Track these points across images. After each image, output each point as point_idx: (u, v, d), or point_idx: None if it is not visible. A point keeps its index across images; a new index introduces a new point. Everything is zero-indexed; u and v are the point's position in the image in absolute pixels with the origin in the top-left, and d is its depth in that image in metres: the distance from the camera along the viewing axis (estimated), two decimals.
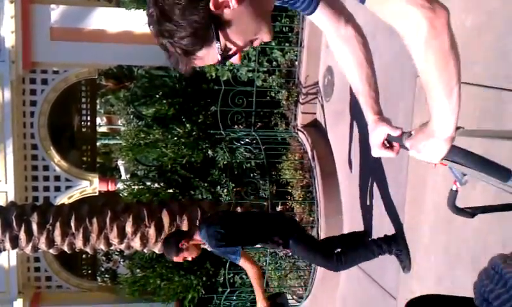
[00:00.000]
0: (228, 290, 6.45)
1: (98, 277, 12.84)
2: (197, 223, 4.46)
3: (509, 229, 3.14)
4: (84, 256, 14.11)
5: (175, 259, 4.33)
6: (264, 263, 6.92)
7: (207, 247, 4.41)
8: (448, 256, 3.75)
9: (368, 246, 4.64)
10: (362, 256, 4.68)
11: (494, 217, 3.28)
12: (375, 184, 4.91)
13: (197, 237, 4.29)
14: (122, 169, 13.73)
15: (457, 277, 3.65)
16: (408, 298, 4.20)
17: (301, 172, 6.34)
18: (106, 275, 14.16)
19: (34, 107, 9.33)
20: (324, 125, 6.38)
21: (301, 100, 6.67)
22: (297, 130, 6.70)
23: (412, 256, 4.28)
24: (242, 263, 4.22)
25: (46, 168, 9.63)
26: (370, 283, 5.02)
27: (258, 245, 5.06)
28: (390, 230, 4.60)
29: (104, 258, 15.68)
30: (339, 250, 4.64)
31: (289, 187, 6.47)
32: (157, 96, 7.80)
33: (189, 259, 4.40)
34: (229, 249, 4.21)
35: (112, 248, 6.52)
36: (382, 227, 4.80)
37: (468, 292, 3.49)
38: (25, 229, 6.20)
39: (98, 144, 16.41)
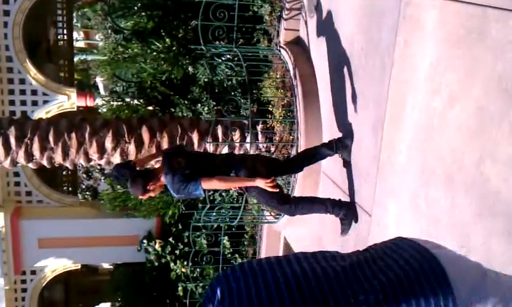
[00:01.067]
0: (208, 206, 6.54)
1: (79, 195, 12.92)
2: (162, 161, 4.56)
3: (486, 149, 3.18)
4: (64, 172, 14.10)
5: (140, 197, 4.64)
6: None
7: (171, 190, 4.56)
8: (424, 174, 3.81)
9: (323, 203, 5.07)
10: (315, 209, 5.12)
11: (471, 136, 3.31)
12: (356, 103, 4.90)
13: (162, 179, 4.46)
14: (101, 86, 13.48)
15: (431, 195, 3.73)
16: (382, 215, 4.31)
17: (282, 91, 6.29)
18: (87, 193, 14.24)
19: (7, 17, 8.97)
20: (307, 43, 6.26)
21: (284, 16, 6.50)
22: (280, 47, 6.57)
23: (389, 175, 4.35)
24: (207, 186, 4.47)
25: (22, 81, 9.41)
26: (347, 200, 5.12)
27: None
28: (370, 148, 4.64)
29: (84, 175, 15.73)
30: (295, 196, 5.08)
31: (270, 106, 6.44)
32: (136, 8, 7.54)
33: (153, 195, 4.67)
34: (191, 189, 4.41)
35: (92, 164, 6.51)
36: (361, 146, 4.84)
37: (441, 210, 3.58)
38: (3, 143, 6.13)
39: (75, 59, 15.98)
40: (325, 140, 5.68)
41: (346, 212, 5.01)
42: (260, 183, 4.47)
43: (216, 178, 4.45)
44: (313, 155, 5.17)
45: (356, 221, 5.01)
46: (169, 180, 4.41)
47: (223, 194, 8.10)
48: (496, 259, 3.07)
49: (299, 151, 5.50)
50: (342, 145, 5.04)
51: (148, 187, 4.46)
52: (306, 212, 5.13)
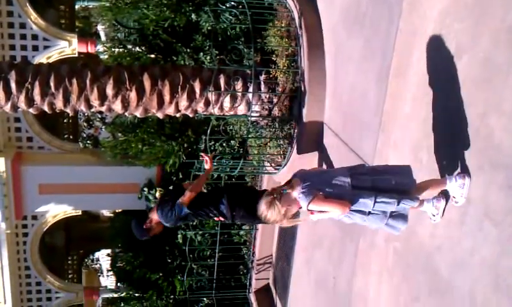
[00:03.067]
0: (209, 155, 6.53)
1: (80, 143, 12.92)
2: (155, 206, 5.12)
3: (491, 101, 3.16)
4: (65, 120, 14.07)
5: (145, 238, 5.18)
6: (245, 132, 7.01)
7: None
8: (427, 126, 3.81)
9: None
10: None
11: (477, 87, 3.29)
12: (361, 53, 4.85)
13: (154, 216, 4.97)
14: (102, 34, 13.28)
15: (432, 146, 3.73)
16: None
17: (287, 40, 6.19)
18: (88, 142, 14.24)
19: None
20: None
21: None
22: None
23: (391, 126, 4.34)
24: (185, 199, 4.88)
25: (23, 26, 9.26)
26: (348, 152, 5.13)
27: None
28: (373, 99, 4.62)
29: (85, 124, 15.71)
30: None
31: (274, 56, 6.36)
32: None
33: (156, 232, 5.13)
34: (176, 210, 4.89)
35: (93, 110, 6.46)
36: (365, 97, 4.82)
37: (441, 163, 3.58)
38: (4, 87, 6.07)
39: (76, 7, 15.69)
40: (328, 91, 5.65)
41: None
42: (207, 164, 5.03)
43: (187, 190, 4.88)
44: None
45: None
46: (160, 214, 4.93)
47: (224, 144, 8.11)
48: (496, 211, 3.10)
49: None
50: None
51: (145, 227, 4.99)
52: None
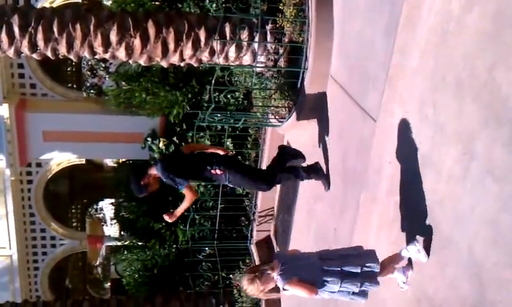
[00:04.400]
0: (213, 106, 6.50)
1: (83, 93, 12.88)
2: None
3: (500, 55, 3.10)
4: (68, 69, 13.98)
5: (141, 195, 5.32)
6: (250, 83, 6.95)
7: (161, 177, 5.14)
8: (434, 80, 3.75)
9: (298, 173, 5.69)
10: (291, 179, 5.91)
11: (487, 41, 3.22)
12: (369, 3, 4.74)
13: (153, 171, 5.08)
14: None
15: (439, 102, 3.69)
16: (388, 120, 4.29)
17: None
18: (91, 91, 14.17)
19: None
20: None
21: None
22: None
23: (398, 80, 4.28)
24: (185, 191, 5.13)
25: None
26: (353, 106, 5.09)
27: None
28: (380, 52, 4.54)
29: (89, 72, 15.60)
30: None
31: (281, 4, 6.23)
32: None
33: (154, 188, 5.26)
34: (177, 180, 5.05)
35: (96, 57, 6.40)
36: (372, 50, 4.74)
37: (447, 117, 3.54)
38: (7, 32, 6.01)
39: None
40: (335, 44, 5.57)
41: (316, 175, 5.69)
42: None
43: (191, 197, 5.17)
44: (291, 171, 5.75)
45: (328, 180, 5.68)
46: (159, 168, 5.04)
47: (228, 96, 8.06)
48: (498, 167, 3.08)
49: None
50: (313, 170, 5.75)
51: (142, 183, 5.10)
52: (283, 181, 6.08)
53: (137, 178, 5.13)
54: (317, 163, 5.84)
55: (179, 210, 5.23)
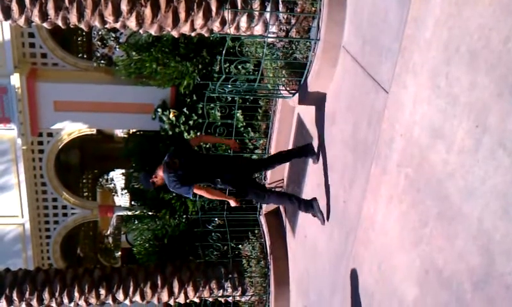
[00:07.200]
0: (224, 76, 6.48)
1: (94, 63, 12.89)
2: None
3: None
4: (79, 39, 13.95)
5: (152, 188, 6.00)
6: (261, 54, 6.90)
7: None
8: (448, 51, 3.71)
9: (290, 200, 6.40)
10: (285, 202, 6.66)
11: (503, 11, 3.17)
12: None
13: (160, 173, 5.66)
14: None
15: (453, 73, 3.65)
16: (401, 92, 4.27)
17: None
18: (102, 61, 14.17)
19: None
20: None
21: None
22: None
23: (411, 51, 4.23)
24: (197, 191, 5.72)
25: None
26: (365, 77, 5.05)
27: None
28: (394, 22, 4.49)
29: (99, 43, 15.58)
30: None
31: None
32: None
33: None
34: (183, 189, 5.60)
35: (107, 26, 6.38)
36: (385, 21, 4.68)
37: (460, 89, 3.51)
38: (17, 0, 6.00)
39: None
40: (348, 13, 5.50)
41: (311, 208, 6.23)
42: (232, 202, 5.86)
43: (205, 189, 5.75)
44: (286, 157, 6.65)
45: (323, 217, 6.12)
46: (165, 177, 5.59)
47: (239, 66, 8.03)
48: (510, 139, 3.06)
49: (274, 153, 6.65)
50: (310, 152, 6.38)
51: (151, 181, 5.69)
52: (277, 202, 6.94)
53: (146, 176, 5.77)
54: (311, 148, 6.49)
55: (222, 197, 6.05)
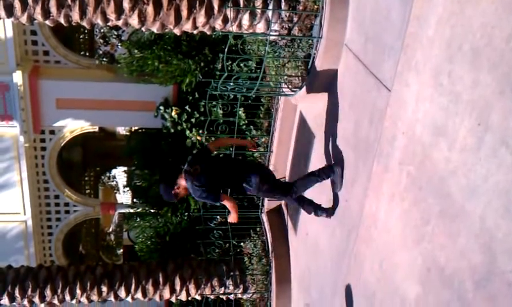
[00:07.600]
0: (226, 74, 6.48)
1: (96, 60, 12.90)
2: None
3: None
4: (81, 36, 13.95)
5: (174, 200, 5.59)
6: (263, 52, 6.90)
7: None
8: (450, 49, 3.71)
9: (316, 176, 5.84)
10: (309, 184, 5.96)
11: (506, 9, 3.16)
12: None
13: (182, 183, 5.31)
14: None
15: (455, 72, 3.65)
16: (403, 90, 4.27)
17: None
18: (104, 59, 14.16)
19: None
20: None
21: None
22: None
23: (414, 49, 4.23)
24: (225, 203, 5.51)
25: None
26: (368, 75, 5.05)
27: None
28: (397, 20, 4.48)
29: (101, 40, 15.55)
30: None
31: None
32: None
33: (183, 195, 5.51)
34: (210, 198, 5.38)
35: (109, 24, 6.39)
36: (388, 19, 4.68)
37: (463, 87, 3.50)
38: None
39: None
40: (350, 11, 5.49)
41: (333, 172, 5.72)
42: (233, 217, 5.55)
43: (234, 201, 5.51)
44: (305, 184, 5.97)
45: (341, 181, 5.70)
46: (189, 186, 5.29)
47: (241, 64, 8.03)
48: None
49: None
50: (331, 172, 5.74)
51: (174, 193, 5.35)
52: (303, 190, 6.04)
53: (167, 188, 5.39)
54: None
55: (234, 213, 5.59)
